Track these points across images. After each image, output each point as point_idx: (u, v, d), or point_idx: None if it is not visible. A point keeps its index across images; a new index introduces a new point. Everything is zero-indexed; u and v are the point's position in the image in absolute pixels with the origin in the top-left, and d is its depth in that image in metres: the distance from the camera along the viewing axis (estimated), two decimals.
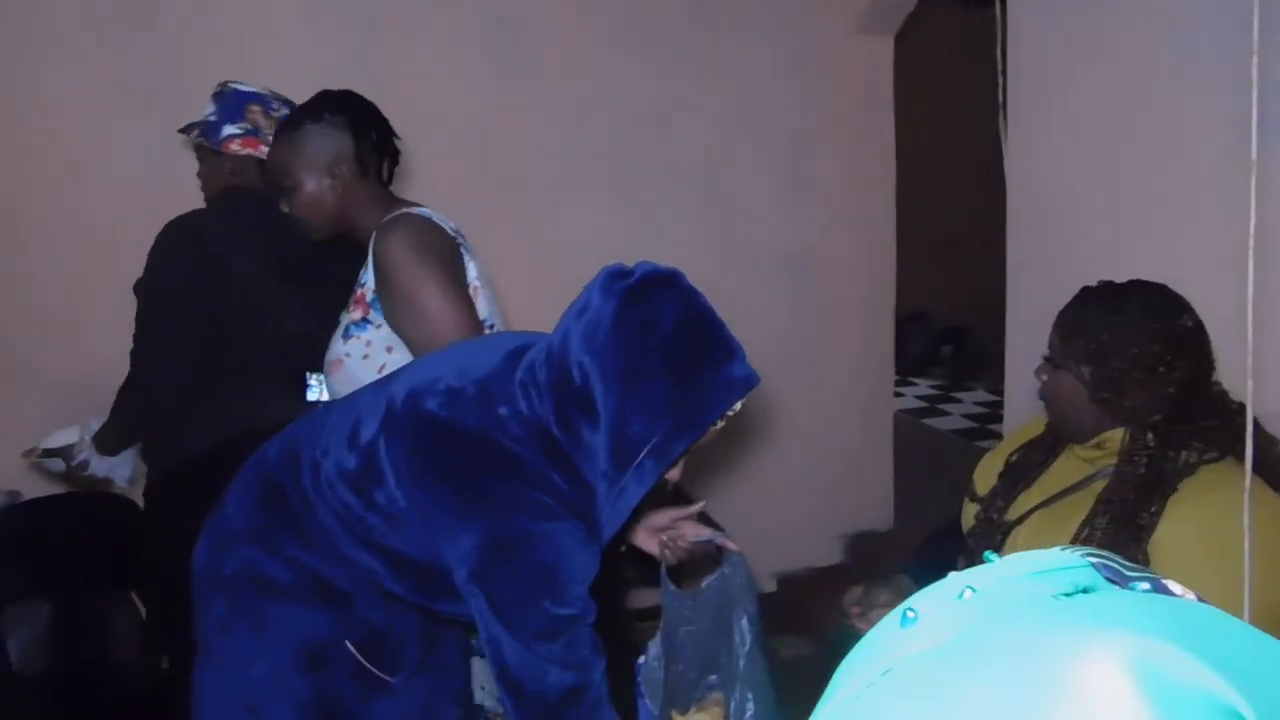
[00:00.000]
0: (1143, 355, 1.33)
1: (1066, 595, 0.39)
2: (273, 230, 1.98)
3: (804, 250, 3.29)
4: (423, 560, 1.32)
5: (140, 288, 2.03)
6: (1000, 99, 2.41)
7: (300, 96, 2.70)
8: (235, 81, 2.16)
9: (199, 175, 2.22)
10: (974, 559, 1.51)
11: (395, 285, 1.67)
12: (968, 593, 0.40)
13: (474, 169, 2.93)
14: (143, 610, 2.46)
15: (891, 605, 1.52)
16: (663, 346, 1.22)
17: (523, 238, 2.99)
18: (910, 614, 0.40)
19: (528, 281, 2.82)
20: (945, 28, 5.41)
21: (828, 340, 3.38)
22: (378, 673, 1.39)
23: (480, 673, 1.78)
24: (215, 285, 2.00)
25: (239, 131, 2.11)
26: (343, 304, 1.84)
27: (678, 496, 2.77)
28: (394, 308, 1.68)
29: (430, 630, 1.50)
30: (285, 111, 2.12)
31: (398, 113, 2.84)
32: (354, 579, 1.36)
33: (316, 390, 2.08)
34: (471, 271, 1.82)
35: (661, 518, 1.63)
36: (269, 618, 1.36)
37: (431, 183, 2.89)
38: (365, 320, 1.73)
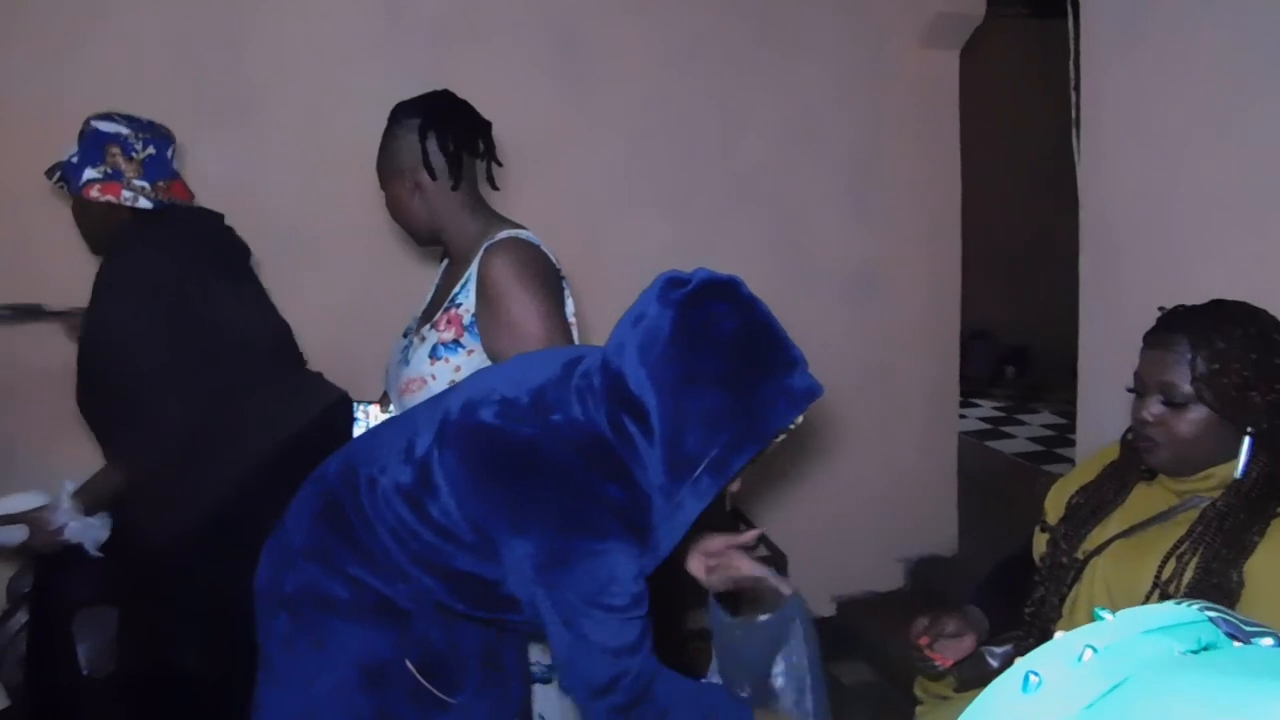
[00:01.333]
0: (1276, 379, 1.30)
1: (1193, 652, 0.36)
2: (227, 237, 2.02)
3: (868, 267, 3.24)
4: (476, 575, 1.30)
5: (108, 345, 1.88)
6: (1073, 113, 2.36)
7: (370, 112, 2.76)
8: (99, 118, 1.96)
9: (77, 224, 2.02)
10: (1047, 592, 1.47)
11: (503, 312, 1.62)
12: (1088, 653, 0.39)
13: (536, 183, 2.94)
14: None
15: (960, 635, 1.49)
16: (720, 356, 1.18)
17: (584, 253, 2.99)
18: (1033, 679, 0.38)
19: (589, 297, 2.83)
20: (1011, 39, 5.33)
21: (891, 359, 3.32)
22: (437, 693, 1.37)
23: (541, 698, 1.76)
24: (189, 315, 1.90)
25: (98, 176, 1.92)
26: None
27: (735, 518, 2.74)
28: (498, 334, 1.62)
29: (491, 651, 1.48)
30: (151, 151, 1.97)
31: None
32: (414, 596, 1.35)
33: (363, 421, 2.05)
34: (570, 306, 1.78)
35: (715, 543, 1.57)
36: (330, 635, 1.36)
37: (496, 196, 2.91)
38: (458, 343, 1.66)
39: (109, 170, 1.92)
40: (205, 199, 2.69)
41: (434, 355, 1.68)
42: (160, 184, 2.00)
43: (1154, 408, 1.36)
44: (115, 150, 1.93)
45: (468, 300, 1.67)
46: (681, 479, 1.20)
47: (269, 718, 1.41)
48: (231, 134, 2.70)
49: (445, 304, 1.71)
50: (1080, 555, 1.44)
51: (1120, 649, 0.39)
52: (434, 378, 1.67)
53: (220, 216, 2.16)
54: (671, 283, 1.24)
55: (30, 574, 2.31)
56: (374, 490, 1.33)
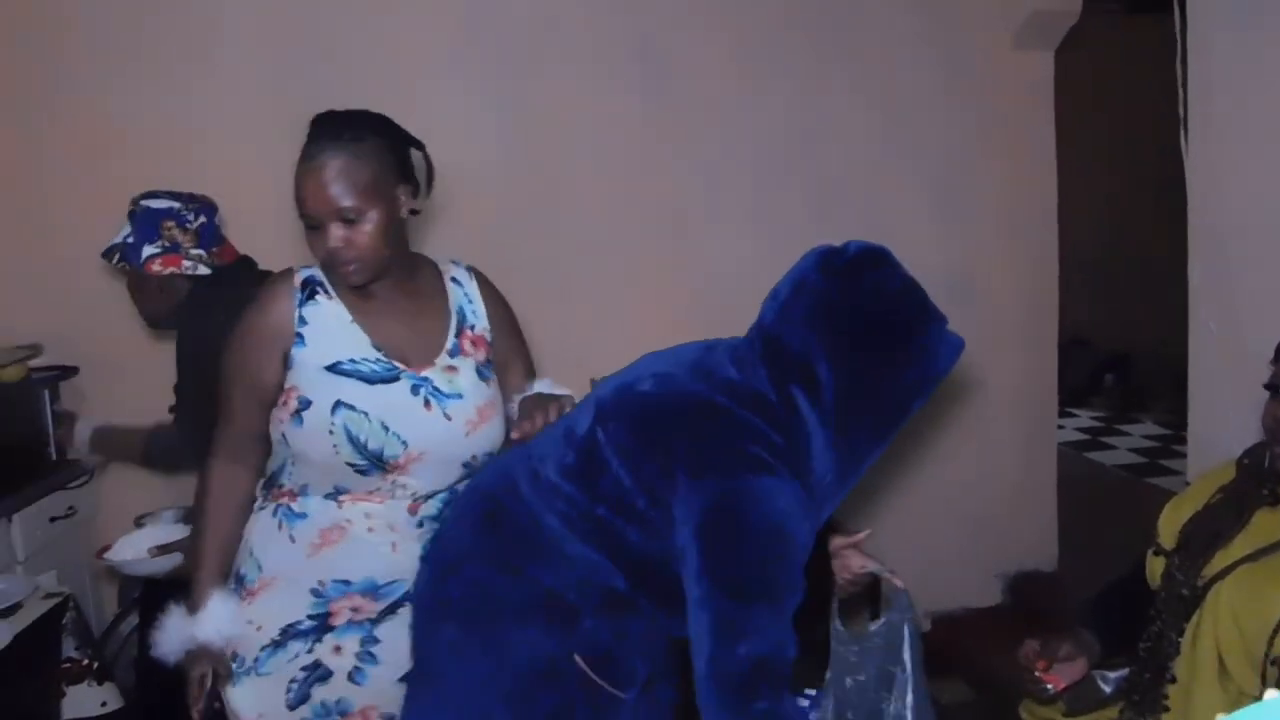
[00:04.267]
0: None
1: None
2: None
3: (962, 274, 3.16)
4: (646, 549, 1.32)
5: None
6: (1181, 112, 2.26)
7: (452, 123, 2.82)
8: (146, 197, 2.09)
9: (134, 300, 2.17)
10: (1165, 627, 1.40)
11: (512, 323, 1.72)
12: None
13: (615, 197, 2.95)
14: None
15: (1072, 659, 1.43)
16: (888, 315, 1.30)
17: (665, 266, 3.00)
18: None
19: (668, 309, 2.83)
20: (1109, 36, 5.13)
21: (987, 367, 3.23)
22: (608, 687, 1.37)
23: None
24: None
25: (158, 251, 2.05)
26: None
27: (829, 531, 2.70)
28: (519, 351, 1.73)
29: (656, 648, 1.46)
30: (202, 220, 2.10)
31: (543, 141, 2.95)
32: (581, 587, 1.35)
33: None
34: None
35: (834, 543, 1.60)
36: (500, 637, 1.37)
37: (577, 210, 2.94)
38: (490, 362, 1.66)
39: (166, 244, 2.06)
40: (290, 215, 2.78)
41: (481, 377, 1.62)
42: (214, 250, 2.13)
43: None
44: (170, 224, 2.07)
45: (479, 321, 1.66)
46: (855, 431, 1.29)
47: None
48: None
49: (452, 329, 1.62)
50: (1200, 583, 1.37)
51: None
52: (498, 398, 1.64)
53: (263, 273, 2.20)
54: (830, 253, 1.34)
55: (140, 579, 2.41)
56: (537, 481, 1.38)
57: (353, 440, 1.48)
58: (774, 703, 1.18)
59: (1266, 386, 1.34)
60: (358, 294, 1.55)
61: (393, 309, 1.58)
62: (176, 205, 2.10)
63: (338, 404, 1.48)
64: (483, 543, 1.42)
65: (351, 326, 1.54)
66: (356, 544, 1.54)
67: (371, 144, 1.51)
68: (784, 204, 3.06)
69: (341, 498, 1.54)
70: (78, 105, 2.68)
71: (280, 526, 1.57)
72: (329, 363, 1.50)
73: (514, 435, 1.53)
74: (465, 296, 1.66)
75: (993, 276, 3.22)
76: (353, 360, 1.51)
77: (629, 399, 1.37)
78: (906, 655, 1.44)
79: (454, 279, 1.67)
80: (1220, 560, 1.37)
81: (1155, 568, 1.48)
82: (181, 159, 2.76)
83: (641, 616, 1.40)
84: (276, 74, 2.76)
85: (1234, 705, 1.22)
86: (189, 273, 2.08)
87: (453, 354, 1.59)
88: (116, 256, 2.08)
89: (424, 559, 1.51)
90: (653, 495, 1.29)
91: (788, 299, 1.33)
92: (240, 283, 2.04)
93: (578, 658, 1.36)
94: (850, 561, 1.58)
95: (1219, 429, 2.07)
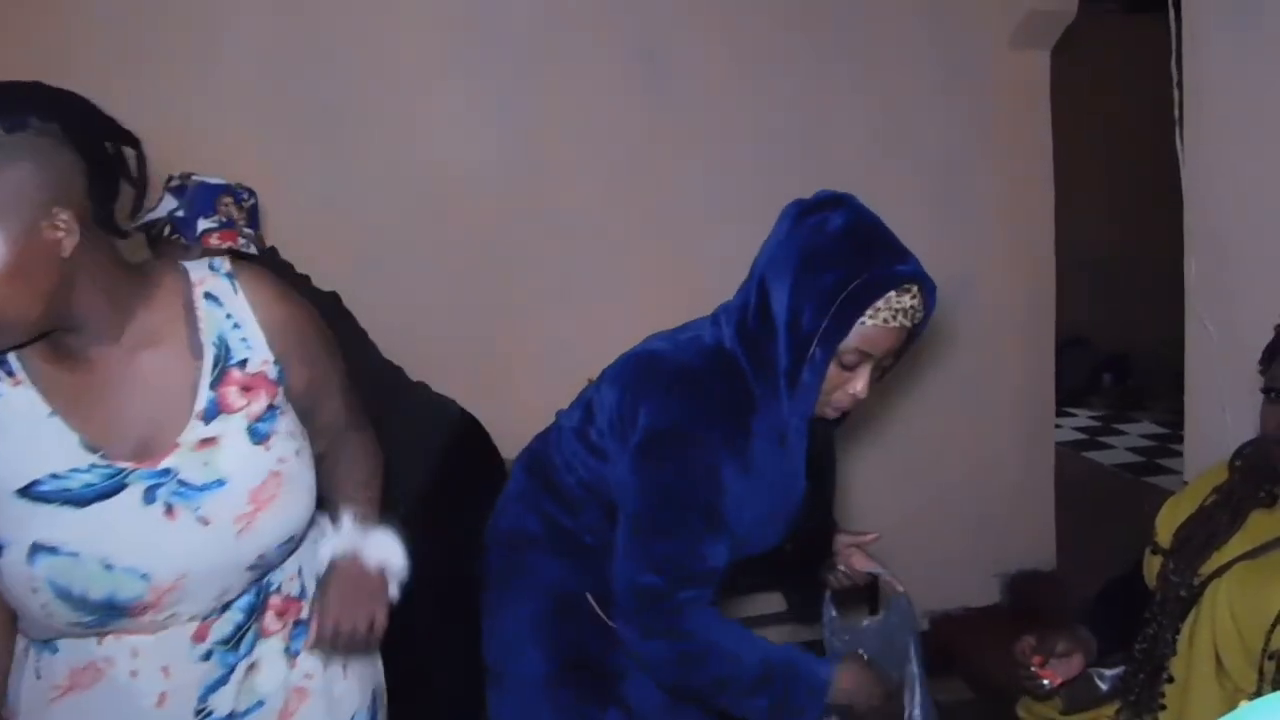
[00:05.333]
0: None
1: None
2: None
3: (959, 274, 3.16)
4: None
5: None
6: (1176, 112, 2.26)
7: (452, 124, 2.83)
8: (196, 174, 2.06)
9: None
10: (1161, 628, 1.41)
11: (314, 334, 1.26)
12: None
13: (617, 199, 2.96)
14: None
15: (1070, 655, 1.43)
16: (832, 242, 1.32)
17: (666, 266, 3.00)
18: None
19: (673, 309, 2.82)
20: (1105, 36, 5.14)
21: (985, 367, 3.23)
22: (612, 625, 1.45)
23: None
24: None
25: (215, 225, 2.01)
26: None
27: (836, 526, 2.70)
28: (324, 373, 1.27)
29: None
30: (253, 201, 2.11)
31: (542, 142, 2.95)
32: (594, 530, 1.49)
33: None
34: None
35: (836, 540, 1.65)
36: (529, 567, 1.54)
37: (576, 211, 2.95)
38: (278, 405, 1.19)
39: (223, 219, 2.03)
40: (291, 216, 2.80)
41: (257, 438, 1.14)
42: (259, 233, 2.13)
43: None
44: (228, 200, 2.04)
45: (255, 351, 1.16)
46: (800, 358, 1.32)
47: (489, 648, 1.59)
48: (311, 147, 2.78)
49: (206, 378, 1.13)
50: (1197, 581, 1.38)
51: None
52: (294, 457, 1.17)
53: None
54: (799, 201, 1.43)
55: None
56: (560, 435, 1.54)
57: (64, 595, 1.04)
58: (671, 625, 1.33)
59: (1264, 391, 1.34)
60: (55, 364, 1.08)
61: (112, 375, 1.09)
62: (231, 183, 2.08)
63: (35, 549, 1.02)
64: (522, 484, 1.60)
65: (51, 421, 1.06)
66: (111, 692, 1.12)
67: (24, 142, 0.97)
68: (783, 205, 3.05)
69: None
70: None
71: (28, 654, 1.16)
72: (22, 484, 1.04)
73: (306, 644, 1.22)
74: (228, 319, 1.15)
75: (991, 276, 3.22)
76: (55, 475, 1.04)
77: (622, 360, 1.49)
78: (905, 653, 1.44)
79: (209, 295, 1.15)
80: (1217, 559, 1.38)
81: (1153, 566, 1.48)
82: (181, 159, 2.77)
83: None
84: (277, 75, 2.76)
85: (1230, 703, 1.22)
86: (242, 250, 2.04)
87: (209, 417, 1.11)
88: (167, 229, 1.98)
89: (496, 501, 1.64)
90: (616, 442, 1.41)
91: (760, 250, 1.42)
92: (275, 269, 2.04)
93: (589, 596, 1.49)
94: (854, 561, 1.62)
95: (1216, 427, 2.08)
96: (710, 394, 1.35)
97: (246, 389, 1.14)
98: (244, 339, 1.15)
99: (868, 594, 1.82)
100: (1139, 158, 4.27)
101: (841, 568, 1.63)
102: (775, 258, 1.36)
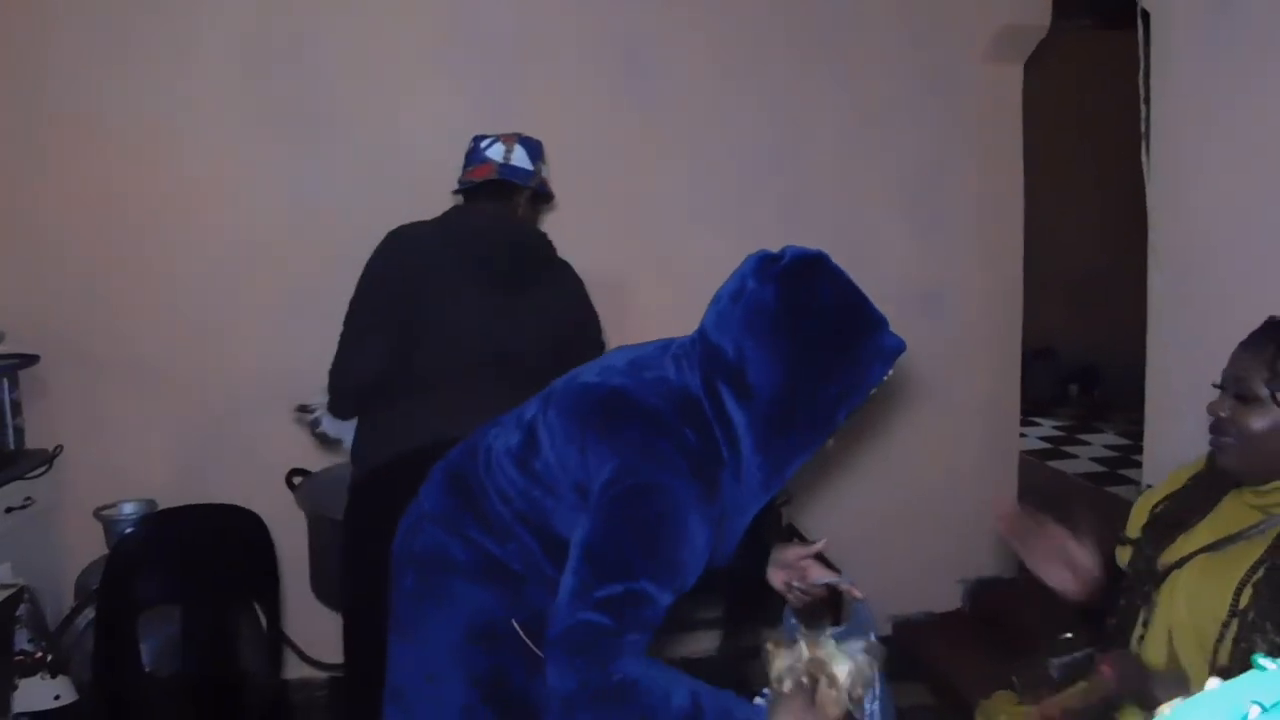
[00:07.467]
0: None
1: None
2: (489, 248, 2.11)
3: (929, 284, 3.19)
4: (566, 534, 1.36)
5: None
6: (1143, 127, 2.30)
7: (432, 125, 2.82)
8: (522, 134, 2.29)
9: (512, 211, 2.25)
10: (1129, 602, 1.44)
11: None
12: (1254, 710, 0.35)
13: (594, 198, 2.96)
14: (263, 620, 2.54)
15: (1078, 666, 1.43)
16: (825, 322, 1.32)
17: (641, 267, 3.01)
18: None
19: (646, 308, 2.83)
20: (1077, 51, 5.20)
21: (952, 376, 3.26)
22: (539, 652, 1.40)
23: None
24: (411, 290, 2.07)
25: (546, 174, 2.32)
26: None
27: (791, 534, 2.71)
28: None
29: None
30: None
31: None
32: (523, 558, 1.43)
33: None
34: None
35: (790, 553, 1.62)
36: (449, 593, 1.47)
37: (556, 212, 2.94)
38: None
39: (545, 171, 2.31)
40: (261, 206, 2.79)
41: None
42: None
43: (1227, 402, 1.35)
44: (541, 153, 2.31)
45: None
46: (785, 434, 1.32)
47: (396, 669, 1.53)
48: (288, 145, 2.78)
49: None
50: (1161, 567, 1.40)
51: None
52: None
53: None
54: (766, 260, 1.37)
55: (98, 571, 2.38)
56: (490, 457, 1.47)
57: None
58: (593, 669, 1.25)
59: (1236, 395, 1.37)
60: None
61: None
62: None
63: None
64: (444, 506, 1.51)
65: None
66: None
67: None
68: (760, 209, 3.08)
69: None
70: (60, 98, 2.64)
71: None
72: None
73: None
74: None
75: (959, 287, 3.25)
76: None
77: (572, 387, 1.43)
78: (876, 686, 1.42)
79: None
80: (1183, 545, 1.40)
81: (1123, 556, 1.52)
82: (161, 157, 2.75)
83: None
84: (259, 75, 2.76)
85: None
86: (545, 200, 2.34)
87: None
88: (537, 181, 2.24)
89: (404, 516, 1.58)
90: (571, 479, 1.36)
91: (726, 304, 1.36)
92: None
93: (515, 623, 1.43)
94: (809, 573, 1.59)
95: (1174, 437, 2.11)
96: (684, 443, 1.31)
97: None
98: None
99: (830, 604, 1.79)
100: (1111, 172, 4.32)
101: (797, 584, 1.59)
102: (761, 330, 1.32)
